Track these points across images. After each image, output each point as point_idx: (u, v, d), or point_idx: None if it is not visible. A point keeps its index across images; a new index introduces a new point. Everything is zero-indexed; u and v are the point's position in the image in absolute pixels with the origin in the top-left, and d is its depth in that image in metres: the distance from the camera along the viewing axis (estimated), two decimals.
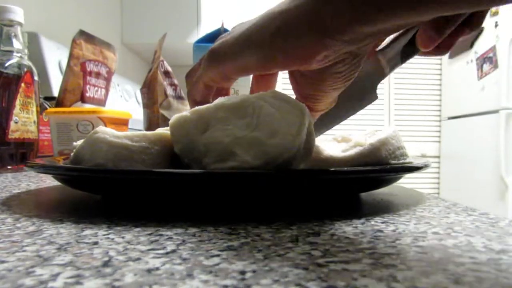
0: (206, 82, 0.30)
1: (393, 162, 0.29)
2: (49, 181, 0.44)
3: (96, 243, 0.18)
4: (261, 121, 0.25)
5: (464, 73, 2.22)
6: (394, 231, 0.21)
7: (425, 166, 0.31)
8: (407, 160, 0.31)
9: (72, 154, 0.30)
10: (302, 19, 0.23)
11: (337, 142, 0.34)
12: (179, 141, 0.27)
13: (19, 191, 0.36)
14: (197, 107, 0.27)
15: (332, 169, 0.26)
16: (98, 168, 0.26)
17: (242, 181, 0.24)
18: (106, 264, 0.15)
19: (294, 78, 0.29)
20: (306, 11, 0.23)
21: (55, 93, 1.01)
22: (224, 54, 0.28)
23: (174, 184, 0.25)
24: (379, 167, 0.28)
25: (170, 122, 0.27)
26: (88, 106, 0.77)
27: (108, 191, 0.29)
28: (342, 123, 0.36)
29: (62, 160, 0.38)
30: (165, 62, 0.76)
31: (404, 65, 0.34)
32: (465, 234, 0.20)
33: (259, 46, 0.25)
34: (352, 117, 0.36)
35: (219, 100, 0.27)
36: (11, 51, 0.58)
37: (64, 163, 0.35)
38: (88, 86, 0.78)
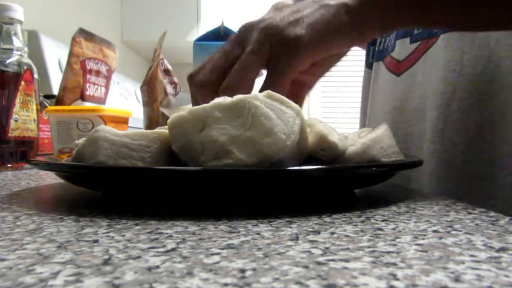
0: (294, 73, 0.35)
1: (385, 160, 0.30)
2: (49, 179, 0.44)
3: (96, 241, 0.18)
4: (256, 120, 0.25)
5: None
6: (394, 229, 0.21)
7: (419, 162, 0.31)
8: (400, 158, 0.31)
9: (73, 152, 0.30)
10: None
11: None
12: (177, 140, 0.28)
13: (19, 189, 0.36)
14: (194, 107, 0.27)
15: (324, 166, 0.26)
16: (100, 165, 0.27)
17: (239, 179, 0.25)
18: (106, 262, 0.15)
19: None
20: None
21: (55, 91, 1.00)
22: (318, 39, 0.34)
23: (173, 181, 0.26)
24: (371, 164, 0.29)
25: (168, 122, 0.28)
26: (88, 104, 0.77)
27: (109, 188, 0.30)
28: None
29: (65, 158, 0.39)
30: (165, 60, 0.76)
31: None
32: (465, 232, 0.20)
33: (348, 31, 0.35)
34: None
35: (216, 100, 0.28)
36: (11, 49, 0.58)
37: (66, 160, 0.36)
38: (88, 84, 0.78)
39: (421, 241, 0.18)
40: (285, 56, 0.34)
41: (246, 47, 0.35)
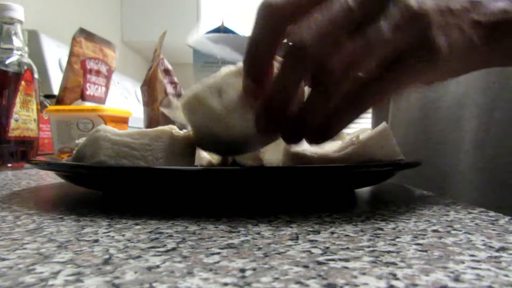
0: (407, 86, 0.27)
1: (384, 159, 0.30)
2: (49, 179, 0.44)
3: (96, 240, 0.18)
4: None
5: None
6: (394, 228, 0.21)
7: (417, 163, 0.31)
8: (399, 158, 0.31)
9: (74, 151, 0.30)
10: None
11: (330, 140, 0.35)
12: (195, 111, 0.28)
13: (19, 188, 0.36)
14: (204, 80, 0.28)
15: (321, 165, 0.27)
16: (100, 165, 0.27)
17: (239, 178, 0.25)
18: (106, 261, 0.15)
19: None
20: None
21: (55, 91, 1.01)
22: (449, 64, 0.27)
23: (173, 181, 0.26)
24: (371, 164, 0.29)
25: (181, 100, 0.28)
26: (88, 104, 0.77)
27: (110, 188, 0.30)
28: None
29: (65, 157, 0.39)
30: (165, 60, 0.76)
31: None
32: (465, 231, 0.20)
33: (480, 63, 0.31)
34: None
35: (224, 69, 0.28)
36: (11, 49, 0.58)
37: (66, 160, 0.36)
38: (88, 84, 0.78)
39: (421, 241, 0.18)
40: (420, 63, 0.26)
41: (378, 20, 0.24)
